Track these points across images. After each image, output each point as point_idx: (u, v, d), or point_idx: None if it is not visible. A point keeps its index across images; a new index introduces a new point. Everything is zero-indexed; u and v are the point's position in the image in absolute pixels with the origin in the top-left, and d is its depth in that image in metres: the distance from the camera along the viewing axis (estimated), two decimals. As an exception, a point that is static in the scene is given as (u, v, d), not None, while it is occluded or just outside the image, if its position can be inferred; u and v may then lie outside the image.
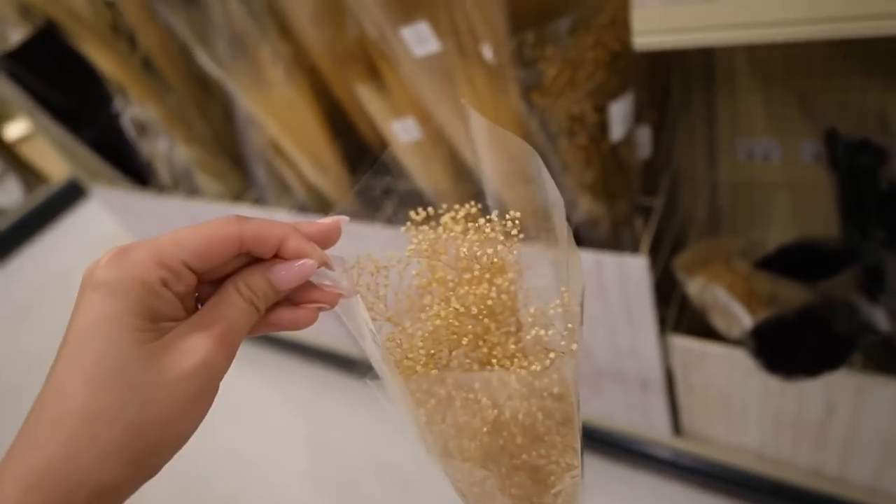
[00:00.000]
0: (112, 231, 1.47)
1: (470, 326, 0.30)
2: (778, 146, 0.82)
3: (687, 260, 0.74)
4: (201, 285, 0.28)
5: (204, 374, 0.25)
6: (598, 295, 0.76)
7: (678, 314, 0.85)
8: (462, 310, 0.30)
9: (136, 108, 1.04)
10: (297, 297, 0.29)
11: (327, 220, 0.29)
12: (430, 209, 0.31)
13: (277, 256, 0.28)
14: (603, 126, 0.66)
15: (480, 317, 0.30)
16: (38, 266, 2.02)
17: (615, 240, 0.79)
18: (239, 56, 0.81)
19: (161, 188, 1.21)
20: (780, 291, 0.67)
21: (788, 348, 0.64)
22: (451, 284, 0.30)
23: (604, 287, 0.75)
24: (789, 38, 0.46)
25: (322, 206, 0.99)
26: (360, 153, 0.98)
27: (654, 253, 0.75)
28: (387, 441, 1.10)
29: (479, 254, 0.30)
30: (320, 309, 0.29)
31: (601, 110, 0.65)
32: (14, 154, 2.20)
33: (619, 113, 0.67)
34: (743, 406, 0.82)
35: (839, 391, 0.70)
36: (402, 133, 0.77)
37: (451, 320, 0.30)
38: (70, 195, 2.15)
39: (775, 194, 0.86)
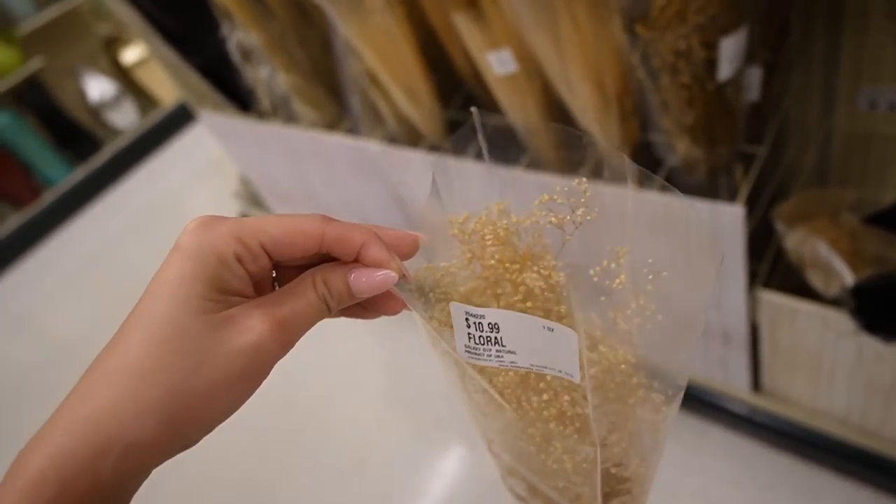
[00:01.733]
0: (217, 154, 1.57)
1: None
2: (909, 95, 0.74)
3: (789, 210, 0.70)
4: (283, 269, 0.28)
5: (254, 355, 0.25)
6: (688, 244, 0.74)
7: (769, 270, 0.81)
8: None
9: (240, 34, 1.08)
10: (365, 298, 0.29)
11: (407, 233, 0.29)
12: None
13: (356, 261, 0.28)
14: (710, 64, 0.63)
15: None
16: (151, 184, 2.20)
17: (711, 187, 0.76)
18: (340, -18, 0.82)
19: (261, 114, 1.27)
20: (891, 251, 0.63)
21: (892, 309, 0.60)
22: (508, 273, 0.29)
23: (692, 234, 0.72)
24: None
25: (413, 137, 1.01)
26: (453, 87, 0.98)
27: (751, 204, 0.71)
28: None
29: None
30: (384, 314, 0.29)
31: (710, 46, 0.61)
32: (130, 78, 2.36)
33: (730, 50, 0.63)
34: (832, 369, 0.78)
35: (943, 361, 0.66)
36: (496, 65, 0.77)
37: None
38: (180, 119, 2.30)
39: (898, 147, 0.79)
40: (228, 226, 0.26)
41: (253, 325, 0.25)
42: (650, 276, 0.28)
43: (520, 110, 0.80)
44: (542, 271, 0.29)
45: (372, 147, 1.00)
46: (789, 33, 0.74)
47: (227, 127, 1.35)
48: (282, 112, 1.21)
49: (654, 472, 0.34)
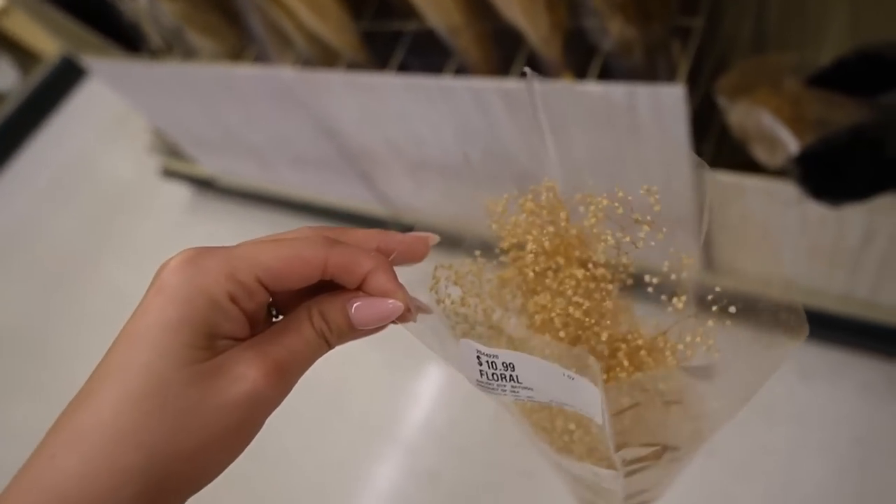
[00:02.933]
0: (121, 106, 1.42)
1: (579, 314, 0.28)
2: (841, -58, 0.70)
3: (730, 82, 0.67)
4: (280, 296, 0.26)
5: (249, 406, 0.23)
6: (631, 130, 0.71)
7: (716, 149, 0.80)
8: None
9: (108, -40, 0.93)
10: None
11: (417, 236, 0.27)
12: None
13: (360, 289, 0.26)
14: (637, -73, 0.57)
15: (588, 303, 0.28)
16: (54, 149, 2.01)
17: (650, 68, 0.72)
18: None
19: (153, 53, 1.13)
20: (834, 113, 0.61)
21: (837, 172, 0.59)
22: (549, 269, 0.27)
23: (636, 121, 0.69)
24: None
25: (328, 57, 0.92)
26: (362, -7, 0.88)
27: (692, 81, 0.68)
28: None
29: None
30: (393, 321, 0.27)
31: None
32: (-1, 31, 2.09)
33: None
34: (779, 238, 0.79)
35: (881, 217, 0.67)
36: (404, -41, 0.68)
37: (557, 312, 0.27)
38: (69, 72, 2.06)
39: (833, 4, 0.76)
40: (219, 261, 0.23)
41: (245, 371, 0.23)
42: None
43: (438, 8, 0.72)
44: (591, 279, 0.27)
45: (284, 73, 0.90)
46: None
47: (118, 72, 1.20)
48: (177, 46, 1.08)
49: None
